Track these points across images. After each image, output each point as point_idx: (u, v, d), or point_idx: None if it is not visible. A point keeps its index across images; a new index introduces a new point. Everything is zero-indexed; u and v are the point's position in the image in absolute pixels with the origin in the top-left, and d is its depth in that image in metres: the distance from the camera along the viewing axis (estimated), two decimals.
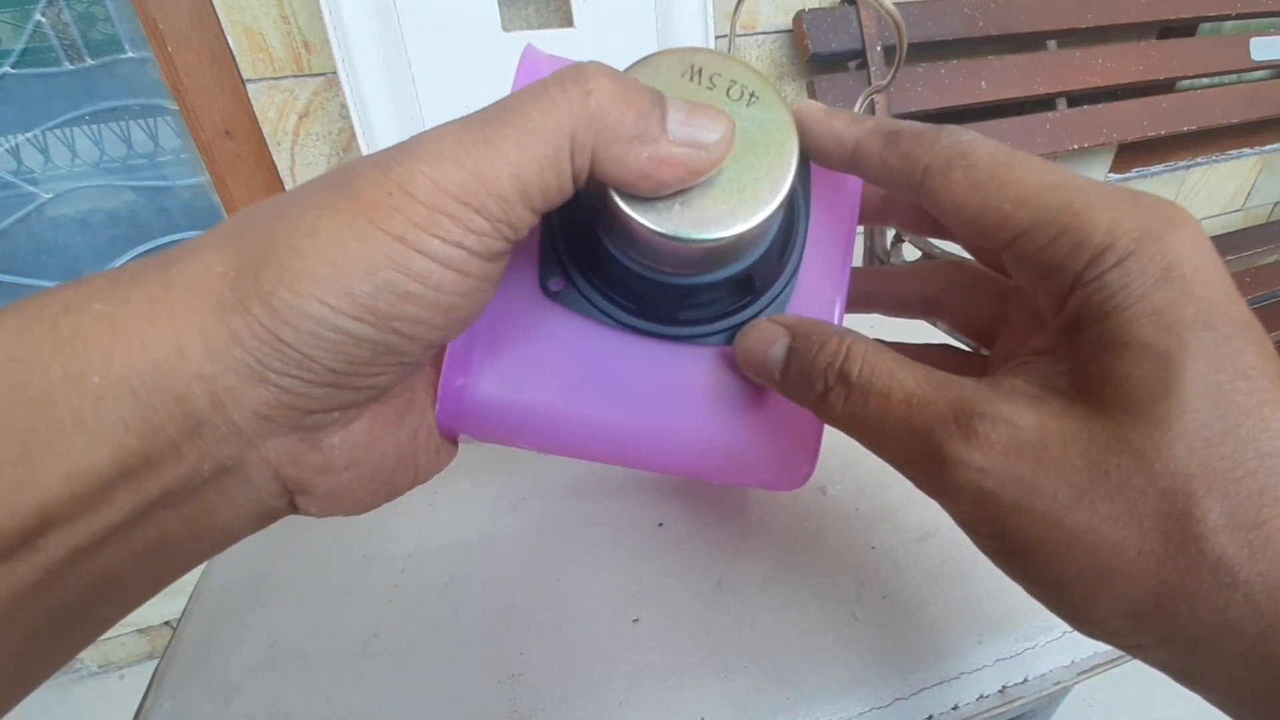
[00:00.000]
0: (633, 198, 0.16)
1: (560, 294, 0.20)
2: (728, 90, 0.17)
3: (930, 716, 0.27)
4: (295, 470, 0.16)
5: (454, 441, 0.23)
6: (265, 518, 0.17)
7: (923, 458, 0.16)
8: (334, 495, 0.18)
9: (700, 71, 0.17)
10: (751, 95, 0.17)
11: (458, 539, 0.35)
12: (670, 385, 0.21)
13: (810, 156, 0.19)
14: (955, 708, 0.27)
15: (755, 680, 0.27)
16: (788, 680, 0.27)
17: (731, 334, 0.20)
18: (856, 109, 0.21)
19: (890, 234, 1.01)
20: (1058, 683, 0.28)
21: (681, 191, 0.16)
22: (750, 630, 0.29)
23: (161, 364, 0.13)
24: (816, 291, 0.21)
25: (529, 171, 0.14)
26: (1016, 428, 0.15)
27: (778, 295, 0.20)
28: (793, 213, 0.20)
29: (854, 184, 0.22)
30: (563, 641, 0.29)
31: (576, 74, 0.15)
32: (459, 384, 0.20)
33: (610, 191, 0.16)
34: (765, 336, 0.19)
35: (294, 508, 0.18)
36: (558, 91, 0.14)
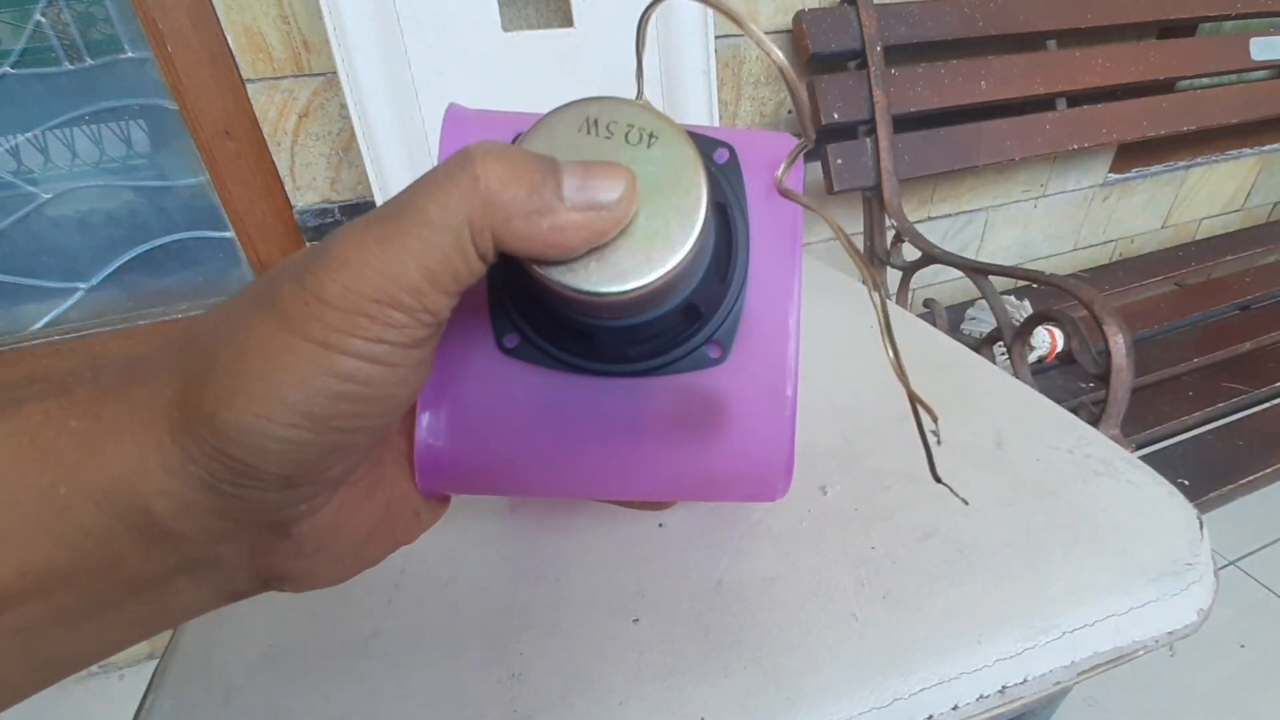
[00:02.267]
0: (547, 262, 0.16)
1: (516, 349, 0.20)
2: (626, 135, 0.17)
3: (930, 716, 0.27)
4: (266, 559, 0.17)
5: (443, 500, 0.24)
6: (234, 597, 0.18)
7: None
8: (307, 575, 0.19)
9: (596, 122, 0.17)
10: (651, 136, 0.17)
11: (458, 539, 0.35)
12: (636, 419, 0.21)
13: None
14: (955, 708, 0.27)
15: (755, 680, 0.27)
16: (787, 680, 0.27)
17: (685, 360, 0.21)
18: (786, 168, 0.21)
19: (890, 234, 1.01)
20: (1057, 683, 0.28)
21: (596, 248, 0.16)
22: (750, 630, 0.29)
23: (123, 479, 0.14)
24: (768, 302, 0.21)
25: (434, 261, 0.14)
26: None
27: (728, 314, 0.21)
28: (729, 231, 0.20)
29: (793, 211, 0.22)
30: (563, 641, 0.29)
31: (463, 160, 0.15)
32: (433, 446, 0.21)
33: (526, 264, 0.16)
34: None
35: (268, 588, 0.19)
36: (447, 181, 0.15)
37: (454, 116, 0.21)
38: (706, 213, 0.17)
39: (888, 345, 0.19)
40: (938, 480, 0.21)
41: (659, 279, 0.16)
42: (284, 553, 0.17)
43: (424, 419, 0.21)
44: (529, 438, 0.21)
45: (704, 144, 0.21)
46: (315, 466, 0.16)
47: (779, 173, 0.21)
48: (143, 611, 0.16)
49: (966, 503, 0.28)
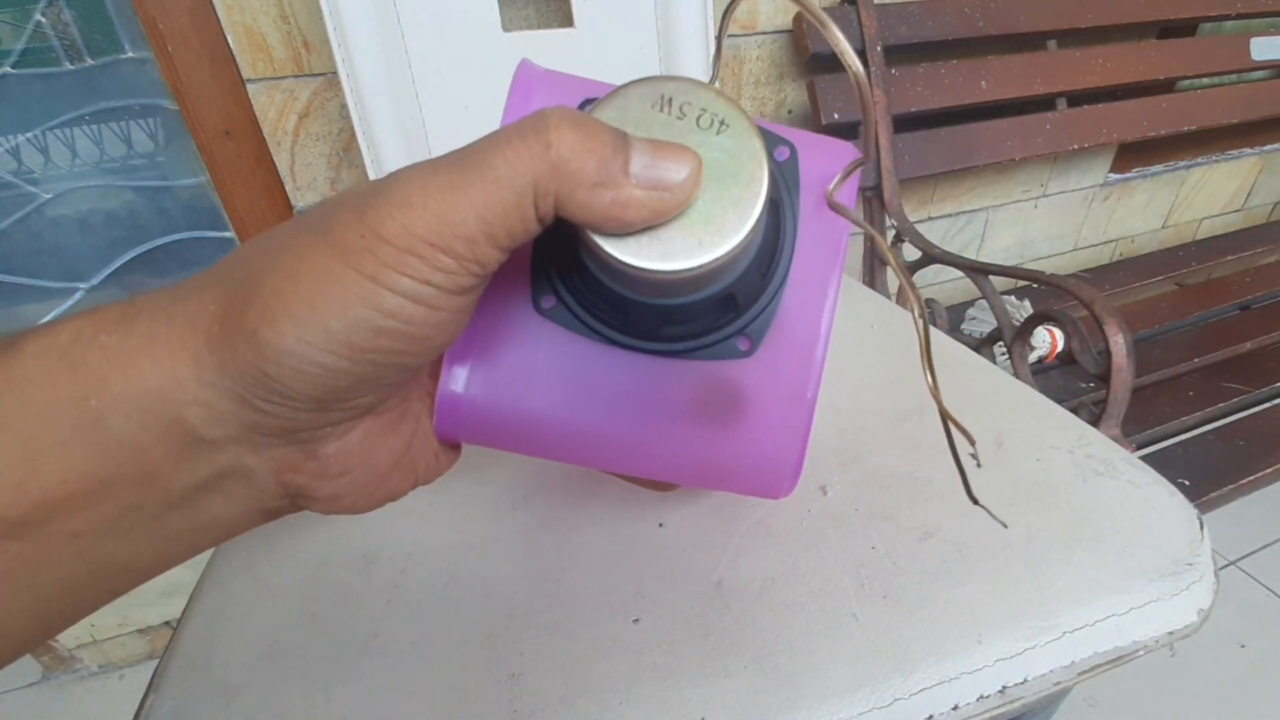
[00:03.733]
0: (601, 231, 0.16)
1: (551, 311, 0.21)
2: (698, 119, 0.17)
3: (930, 717, 0.27)
4: (294, 475, 0.18)
5: (455, 447, 0.24)
6: (268, 515, 0.19)
7: None
8: (333, 497, 0.19)
9: (670, 101, 0.17)
10: (722, 123, 0.17)
11: (458, 539, 0.35)
12: (656, 398, 0.21)
13: None
14: (955, 708, 0.27)
15: (755, 680, 0.27)
16: (788, 680, 0.27)
17: (715, 349, 0.21)
18: (839, 182, 0.21)
19: (890, 234, 1.01)
20: (1058, 683, 0.28)
21: (653, 225, 0.16)
22: (750, 630, 0.29)
23: (155, 391, 0.15)
24: (802, 306, 0.21)
25: (493, 215, 0.15)
26: None
27: (762, 311, 0.21)
28: (778, 229, 0.21)
29: (849, 194, 0.22)
30: (563, 641, 0.29)
31: (538, 123, 0.15)
32: (455, 394, 0.21)
33: (583, 232, 0.16)
34: None
35: (296, 507, 0.19)
36: (519, 142, 0.15)
37: (524, 75, 0.21)
38: (763, 208, 0.17)
39: (927, 371, 0.19)
40: (975, 503, 0.21)
41: (707, 264, 0.16)
42: (310, 472, 0.18)
43: (450, 365, 0.21)
44: (550, 399, 0.21)
45: (768, 139, 0.21)
46: (346, 394, 0.16)
47: (831, 187, 0.21)
48: (182, 525, 0.17)
49: (1005, 526, 0.28)
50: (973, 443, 0.18)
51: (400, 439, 0.21)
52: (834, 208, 0.21)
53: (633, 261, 0.16)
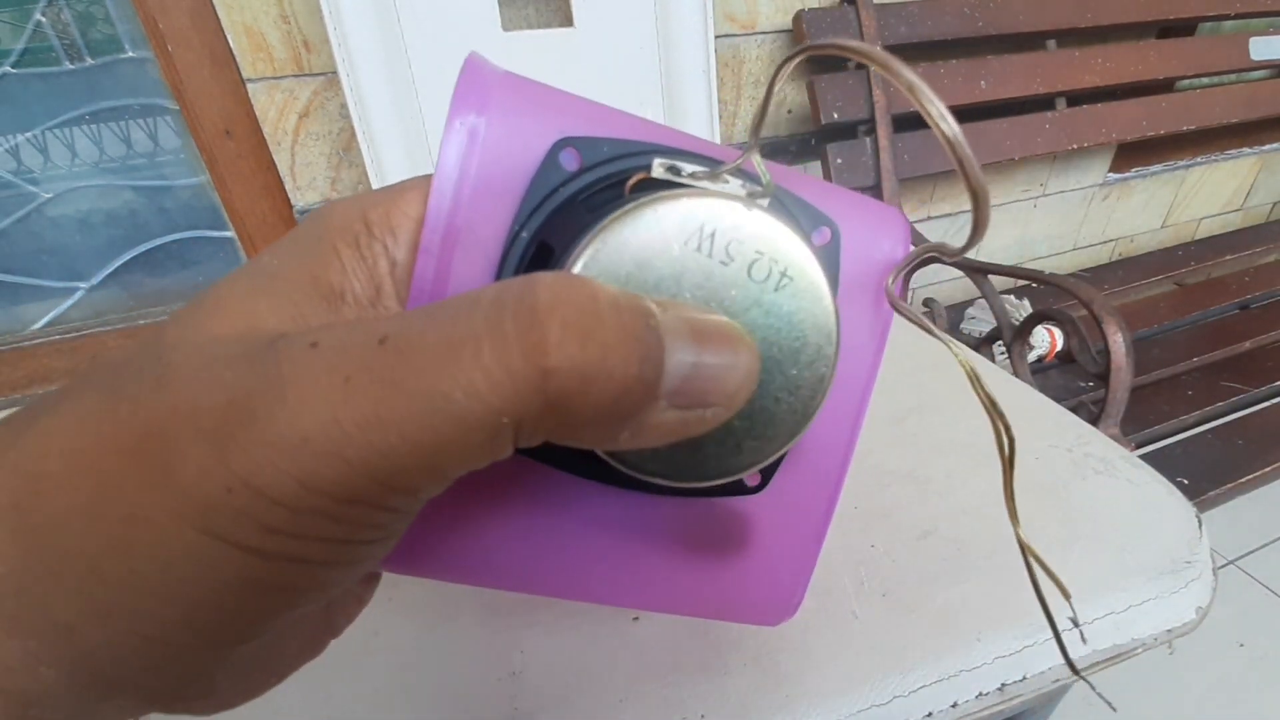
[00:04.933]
0: None
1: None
2: (750, 268, 0.12)
3: (930, 714, 0.27)
4: (169, 703, 0.12)
5: (376, 573, 0.19)
6: None
7: None
8: (223, 705, 0.14)
9: (713, 237, 0.12)
10: (783, 275, 0.12)
11: None
12: (645, 535, 0.18)
13: None
14: (954, 705, 0.27)
15: (755, 678, 0.27)
16: (787, 678, 0.27)
17: (717, 488, 0.17)
18: (899, 274, 0.16)
19: None
20: (1057, 680, 0.28)
21: None
22: (750, 629, 0.29)
23: None
24: (828, 424, 0.17)
25: (448, 459, 0.10)
26: None
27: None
28: None
29: (885, 317, 0.18)
30: (563, 640, 0.29)
31: (530, 333, 0.09)
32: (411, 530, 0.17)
33: None
34: None
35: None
36: (495, 359, 0.09)
37: (473, 73, 0.14)
38: (826, 390, 0.13)
39: (1009, 503, 0.14)
40: (1076, 673, 0.17)
41: (754, 468, 0.13)
42: (190, 696, 0.12)
43: None
44: (520, 535, 0.17)
45: (805, 219, 0.16)
46: (233, 663, 0.12)
47: (890, 280, 0.16)
48: None
49: (1114, 709, 0.25)
50: (1068, 597, 0.14)
51: (308, 620, 0.15)
52: (895, 306, 0.16)
53: (651, 471, 0.13)
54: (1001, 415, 0.12)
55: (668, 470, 0.12)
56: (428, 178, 0.14)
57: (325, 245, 0.13)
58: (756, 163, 0.14)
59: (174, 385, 0.10)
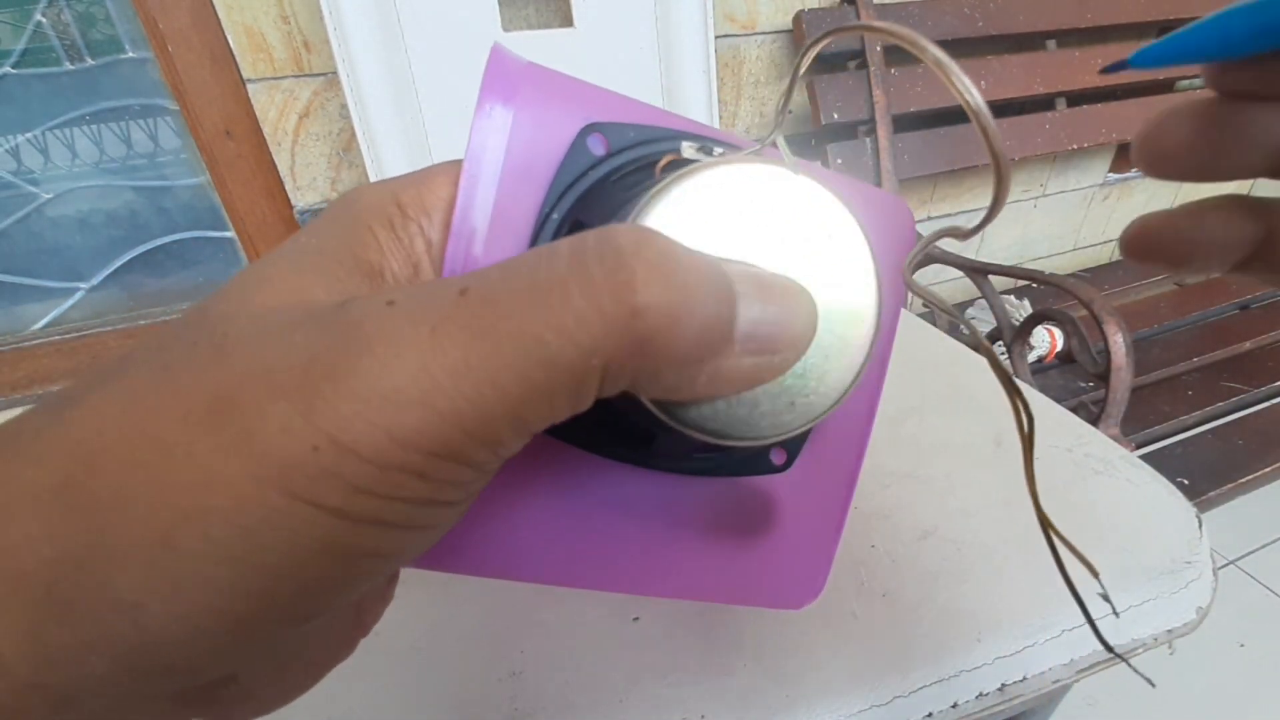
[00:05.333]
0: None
1: (557, 426, 0.18)
2: (798, 228, 0.13)
3: (930, 714, 0.27)
4: (202, 708, 0.12)
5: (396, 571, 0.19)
6: None
7: None
8: (260, 709, 0.14)
9: (763, 200, 0.13)
10: (829, 237, 0.13)
11: None
12: (670, 520, 0.18)
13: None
14: (954, 705, 0.27)
15: (755, 678, 0.27)
16: (787, 678, 0.27)
17: (745, 464, 0.18)
18: (916, 256, 0.15)
19: None
20: (1057, 681, 0.28)
21: None
22: (750, 628, 0.29)
23: None
24: (848, 404, 0.17)
25: (535, 409, 0.10)
26: None
27: None
28: None
29: (897, 302, 0.18)
30: (563, 640, 0.29)
31: (616, 275, 0.09)
32: None
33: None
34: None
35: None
36: (585, 302, 0.09)
37: (498, 66, 0.15)
38: (871, 350, 0.13)
39: (1030, 484, 0.14)
40: (1110, 651, 0.16)
41: (804, 427, 0.13)
42: (225, 699, 0.12)
43: None
44: (546, 523, 0.18)
45: None
46: (293, 644, 0.12)
47: (907, 261, 0.16)
48: None
49: (1153, 684, 0.25)
50: (1096, 574, 0.14)
51: (344, 617, 0.15)
52: (911, 288, 0.16)
53: (709, 428, 0.13)
54: (1020, 394, 0.12)
55: (726, 428, 0.13)
56: (455, 163, 0.14)
57: (360, 226, 0.13)
58: (780, 145, 0.14)
59: (239, 352, 0.10)
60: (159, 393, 0.10)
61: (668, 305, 0.10)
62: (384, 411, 0.09)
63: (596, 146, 0.15)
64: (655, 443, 0.16)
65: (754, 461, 0.17)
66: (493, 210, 0.14)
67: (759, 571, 0.19)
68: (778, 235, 0.13)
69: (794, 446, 0.17)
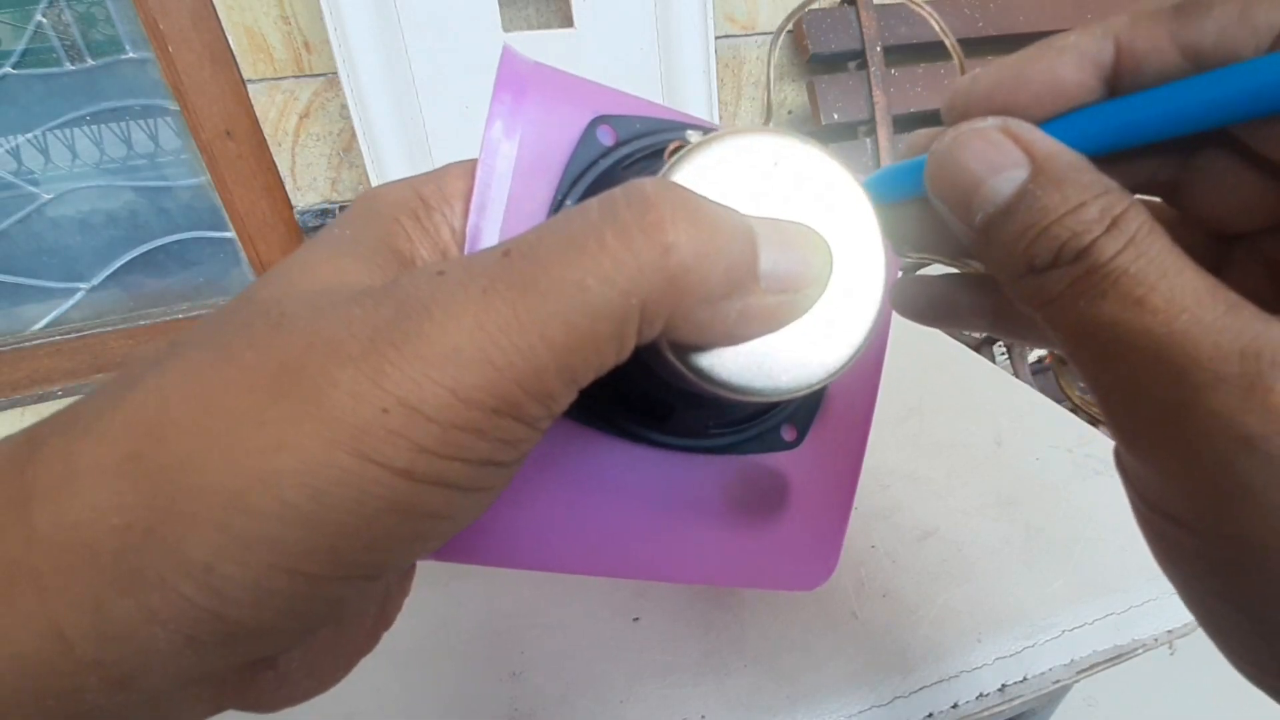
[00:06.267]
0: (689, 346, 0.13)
1: (577, 405, 0.17)
2: (810, 191, 0.14)
3: (930, 715, 0.27)
4: (238, 696, 0.13)
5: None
6: None
7: (1161, 398, 0.10)
8: (290, 699, 0.14)
9: (778, 166, 0.13)
10: (835, 195, 0.14)
11: None
12: (684, 499, 0.18)
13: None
14: (955, 705, 0.27)
15: (755, 678, 0.27)
16: (788, 678, 0.27)
17: (757, 441, 0.18)
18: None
19: None
20: (1057, 681, 0.28)
21: None
22: (750, 628, 0.29)
23: (30, 659, 0.09)
24: (853, 380, 0.18)
25: (582, 358, 0.10)
26: None
27: (810, 395, 0.17)
28: None
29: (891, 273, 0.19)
30: (563, 640, 0.29)
31: (646, 216, 0.10)
32: None
33: (661, 341, 0.12)
34: (991, 155, 0.12)
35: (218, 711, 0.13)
36: (621, 245, 0.10)
37: (510, 69, 0.16)
38: (883, 300, 0.14)
39: None
40: None
41: (822, 381, 0.13)
42: (263, 685, 0.13)
43: None
44: (559, 508, 0.18)
45: None
46: (352, 608, 0.12)
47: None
48: None
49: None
50: None
51: (376, 602, 0.16)
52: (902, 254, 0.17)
53: (731, 381, 0.13)
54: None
55: (748, 381, 0.13)
56: (470, 161, 0.15)
57: (387, 219, 0.14)
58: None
59: (297, 327, 0.10)
60: (220, 367, 0.10)
61: (695, 242, 0.10)
62: (447, 371, 0.09)
63: (605, 137, 0.16)
64: (674, 417, 0.17)
65: (766, 438, 0.18)
66: (509, 197, 0.15)
67: (773, 552, 0.20)
68: (790, 195, 0.13)
69: (804, 422, 0.18)
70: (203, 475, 0.09)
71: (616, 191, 0.11)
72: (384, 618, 0.17)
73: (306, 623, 0.11)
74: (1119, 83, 0.12)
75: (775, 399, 0.14)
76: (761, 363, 0.13)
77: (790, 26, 0.93)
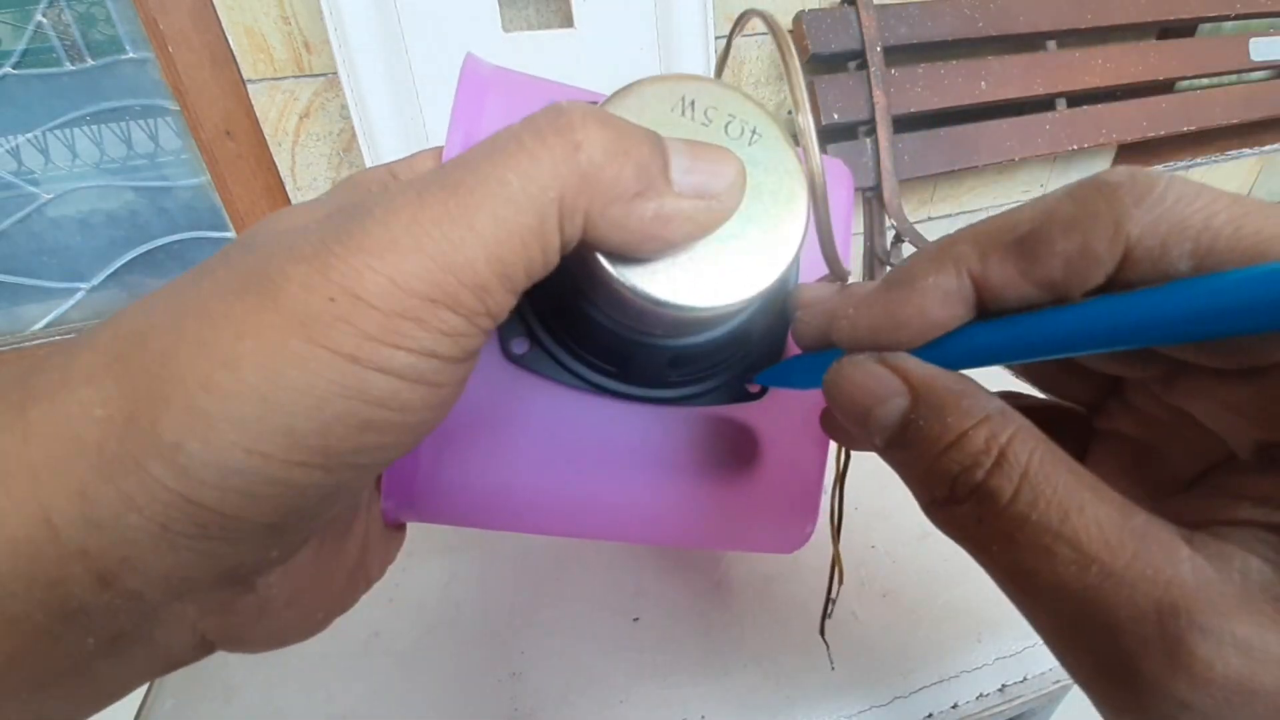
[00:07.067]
0: (622, 260, 0.13)
1: (525, 357, 0.17)
2: (726, 126, 0.14)
3: (930, 715, 0.27)
4: (220, 621, 0.13)
5: (401, 526, 0.20)
6: (171, 667, 0.14)
7: (1092, 650, 0.11)
8: (272, 635, 0.15)
9: (693, 104, 0.14)
10: (754, 132, 0.15)
11: (458, 539, 0.35)
12: (653, 453, 0.19)
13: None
14: (955, 706, 0.27)
15: (755, 678, 0.27)
16: (787, 678, 0.27)
17: (721, 391, 0.18)
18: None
19: (890, 234, 1.01)
20: (1057, 681, 0.28)
21: (679, 253, 0.14)
22: (750, 629, 0.29)
23: (22, 544, 0.10)
24: None
25: (509, 250, 0.11)
26: (1253, 659, 0.09)
27: (772, 345, 0.18)
28: None
29: (847, 187, 0.20)
30: (563, 640, 0.29)
31: (558, 121, 0.12)
32: (409, 469, 0.17)
33: (596, 255, 0.13)
34: (872, 386, 0.13)
35: (208, 652, 0.14)
36: (537, 145, 0.11)
37: (471, 74, 0.17)
38: (806, 227, 0.15)
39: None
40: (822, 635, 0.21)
41: (752, 296, 0.14)
42: (245, 611, 0.13)
43: None
44: (525, 464, 0.18)
45: None
46: (314, 511, 0.12)
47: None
48: (52, 705, 0.12)
49: (834, 668, 0.27)
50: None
51: (355, 541, 0.16)
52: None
53: (664, 298, 0.14)
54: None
55: (680, 293, 0.14)
56: (441, 147, 0.16)
57: (361, 190, 0.15)
58: None
59: (265, 247, 0.11)
60: (198, 281, 0.11)
61: (604, 140, 0.12)
62: (386, 260, 0.11)
63: None
64: (631, 364, 0.17)
65: (729, 389, 0.18)
66: None
67: (747, 511, 0.20)
68: (708, 134, 0.14)
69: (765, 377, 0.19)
70: (177, 365, 0.10)
71: (536, 112, 0.12)
72: (363, 569, 0.17)
73: (272, 517, 0.11)
74: (985, 309, 0.13)
75: (698, 315, 0.14)
76: (690, 279, 0.14)
77: (790, 26, 0.93)
